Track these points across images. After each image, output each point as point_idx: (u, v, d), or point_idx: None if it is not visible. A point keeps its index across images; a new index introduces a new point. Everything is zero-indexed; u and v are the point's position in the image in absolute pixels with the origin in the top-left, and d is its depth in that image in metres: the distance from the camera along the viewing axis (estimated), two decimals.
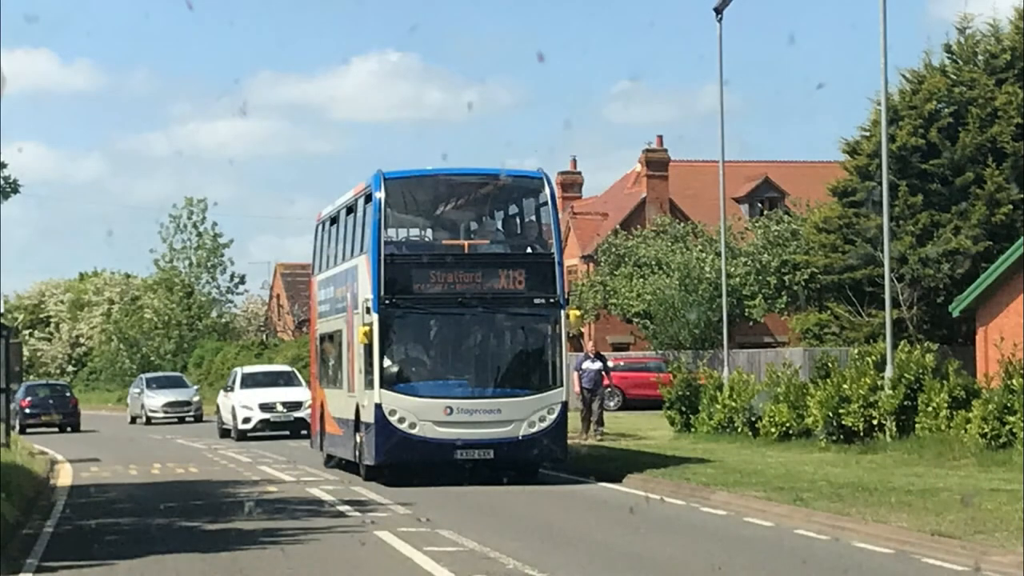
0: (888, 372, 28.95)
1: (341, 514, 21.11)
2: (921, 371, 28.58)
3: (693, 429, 34.35)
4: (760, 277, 54.14)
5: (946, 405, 27.52)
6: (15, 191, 42.12)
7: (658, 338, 55.15)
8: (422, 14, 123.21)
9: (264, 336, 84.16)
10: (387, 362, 24.81)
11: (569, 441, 26.36)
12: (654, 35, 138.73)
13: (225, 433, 43.62)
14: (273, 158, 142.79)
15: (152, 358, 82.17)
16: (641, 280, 56.06)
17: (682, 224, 60.08)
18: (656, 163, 65.10)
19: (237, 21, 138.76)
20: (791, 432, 30.61)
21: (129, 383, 67.84)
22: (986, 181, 44.96)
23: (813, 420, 29.81)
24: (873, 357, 29.76)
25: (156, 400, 55.59)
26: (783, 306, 54.03)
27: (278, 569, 16.00)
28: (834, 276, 47.58)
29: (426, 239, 27.92)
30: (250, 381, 44.17)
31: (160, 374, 64.43)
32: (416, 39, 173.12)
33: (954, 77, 46.95)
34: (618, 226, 61.86)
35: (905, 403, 28.38)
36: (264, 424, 42.45)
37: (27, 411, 52.53)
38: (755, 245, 55.02)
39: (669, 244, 57.46)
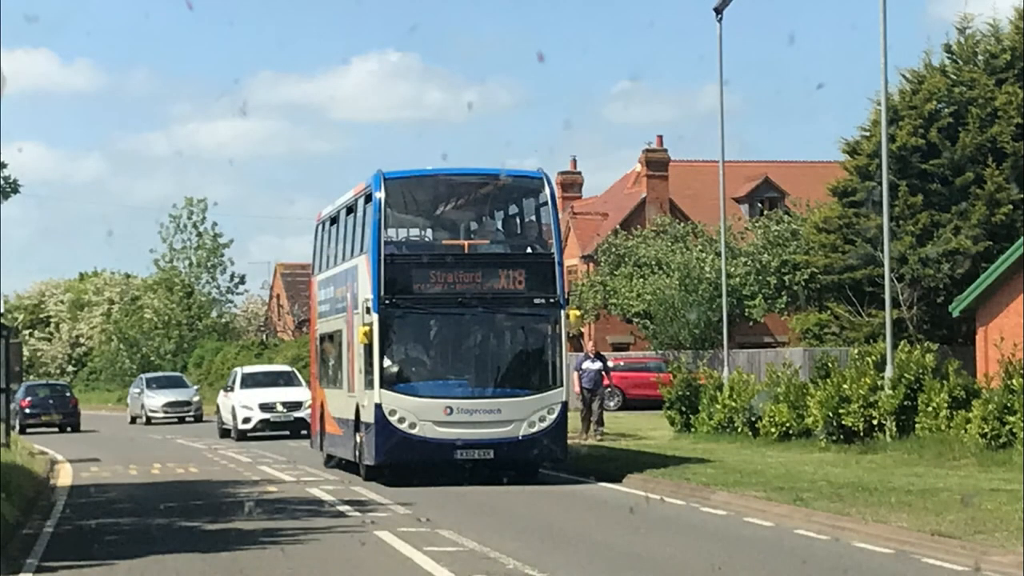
0: (888, 372, 28.94)
1: (341, 514, 21.11)
2: (921, 371, 28.57)
3: (693, 429, 34.34)
4: (760, 277, 54.14)
5: (946, 405, 27.51)
6: (15, 191, 42.20)
7: (658, 338, 55.14)
8: (422, 14, 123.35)
9: (264, 336, 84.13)
10: (387, 362, 24.80)
11: (569, 441, 26.35)
12: (654, 35, 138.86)
13: (225, 433, 43.61)
14: (273, 158, 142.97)
15: (152, 358, 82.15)
16: (641, 280, 56.05)
17: (682, 224, 60.06)
18: (656, 163, 65.09)
19: (237, 21, 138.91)
20: (791, 432, 30.60)
21: (129, 383, 67.83)
22: (986, 181, 44.96)
23: (813, 420, 29.80)
24: (873, 357, 29.75)
25: (156, 400, 55.58)
26: (783, 306, 54.04)
27: (278, 569, 16.00)
28: (834, 276, 47.57)
29: (426, 239, 27.90)
30: (250, 381, 44.17)
31: (160, 374, 64.41)
32: (416, 39, 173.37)
33: (954, 77, 46.94)
34: (618, 226, 61.85)
35: (905, 403, 28.37)
36: (264, 424, 42.45)
37: (27, 411, 52.53)
38: (755, 245, 55.02)
39: (669, 244, 57.45)
